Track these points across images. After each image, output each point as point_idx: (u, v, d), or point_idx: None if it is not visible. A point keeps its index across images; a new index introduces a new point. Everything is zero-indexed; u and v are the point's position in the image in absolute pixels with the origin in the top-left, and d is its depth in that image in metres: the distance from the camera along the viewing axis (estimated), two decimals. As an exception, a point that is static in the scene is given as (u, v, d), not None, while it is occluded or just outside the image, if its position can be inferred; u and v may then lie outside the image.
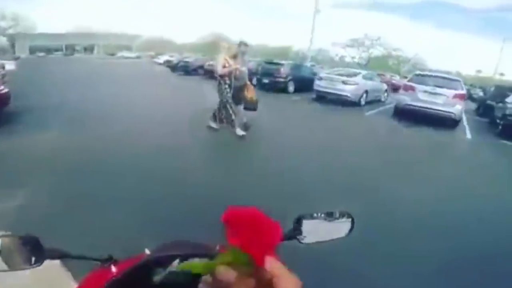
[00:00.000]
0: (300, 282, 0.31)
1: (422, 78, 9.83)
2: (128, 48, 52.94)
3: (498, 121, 10.46)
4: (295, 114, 9.07)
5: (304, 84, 13.19)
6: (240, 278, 0.31)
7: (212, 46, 44.40)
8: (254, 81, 14.53)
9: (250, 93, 5.65)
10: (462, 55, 61.99)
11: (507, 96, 11.75)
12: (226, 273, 0.31)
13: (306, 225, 0.73)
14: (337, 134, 6.94)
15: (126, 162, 3.83)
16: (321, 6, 21.03)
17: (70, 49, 51.83)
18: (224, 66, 5.19)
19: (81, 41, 54.00)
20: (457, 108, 8.98)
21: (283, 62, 14.45)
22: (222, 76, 5.27)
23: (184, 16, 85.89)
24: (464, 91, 9.47)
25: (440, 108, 8.95)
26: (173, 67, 21.55)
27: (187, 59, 21.29)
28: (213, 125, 5.71)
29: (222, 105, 5.48)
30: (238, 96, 5.49)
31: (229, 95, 5.36)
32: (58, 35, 51.23)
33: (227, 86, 5.32)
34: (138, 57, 44.98)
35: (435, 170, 5.08)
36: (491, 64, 48.52)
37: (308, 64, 18.47)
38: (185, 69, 19.68)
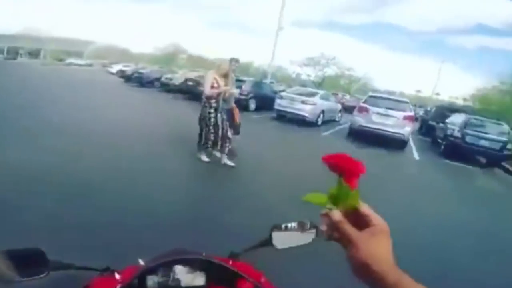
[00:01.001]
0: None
1: (375, 100, 10.44)
2: (79, 55, 49.68)
3: (440, 141, 11.44)
4: (257, 133, 9.03)
5: (264, 102, 13.31)
6: (345, 215, 0.45)
7: (170, 57, 43.57)
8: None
9: (237, 116, 5.18)
10: (404, 75, 68.13)
11: (447, 116, 12.98)
12: (333, 214, 0.45)
13: (279, 234, 0.84)
14: (297, 154, 6.99)
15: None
16: (283, 24, 21.56)
17: (13, 53, 47.09)
18: (212, 86, 4.61)
19: (26, 44, 49.44)
20: (406, 130, 9.62)
21: (245, 79, 14.48)
22: (208, 98, 4.68)
23: (142, 24, 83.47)
24: (412, 113, 10.22)
25: (391, 129, 9.52)
26: (127, 78, 20.42)
27: (142, 70, 20.40)
28: (203, 157, 4.91)
29: (206, 132, 4.81)
30: (232, 125, 4.97)
31: (213, 120, 4.72)
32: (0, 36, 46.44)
33: (212, 110, 4.69)
34: (89, 65, 42.35)
35: (386, 190, 5.24)
36: (429, 84, 54.05)
37: (268, 81, 18.75)
38: (139, 81, 18.75)
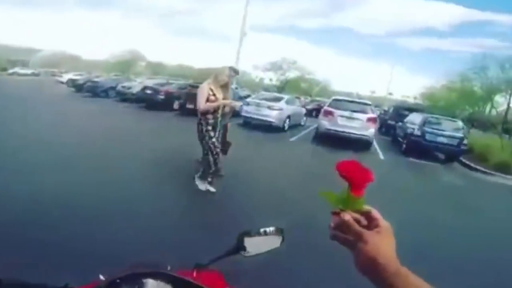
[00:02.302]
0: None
1: (339, 103, 10.53)
2: (25, 64, 45.64)
3: (400, 140, 11.89)
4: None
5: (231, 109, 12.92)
6: (354, 217, 0.50)
7: (127, 65, 41.53)
8: (176, 105, 13.75)
9: (227, 135, 4.43)
10: (358, 77, 71.78)
11: (405, 116, 13.59)
12: (344, 214, 0.50)
13: (252, 240, 0.86)
14: (272, 165, 6.71)
15: None
16: (246, 29, 21.36)
17: None
18: (208, 99, 3.85)
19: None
20: (370, 131, 9.82)
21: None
22: (204, 114, 3.90)
23: (94, 31, 79.08)
24: (375, 115, 10.47)
25: (356, 132, 9.66)
26: (79, 87, 18.77)
27: (96, 79, 18.95)
28: (209, 187, 4.15)
29: (204, 154, 4.07)
30: (223, 143, 4.25)
31: (213, 140, 3.95)
32: None
33: (210, 128, 3.93)
34: (35, 75, 39.03)
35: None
36: (383, 85, 57.44)
37: (233, 86, 18.40)
38: (92, 90, 17.30)
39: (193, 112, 11.88)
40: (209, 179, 4.13)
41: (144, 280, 0.71)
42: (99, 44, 60.49)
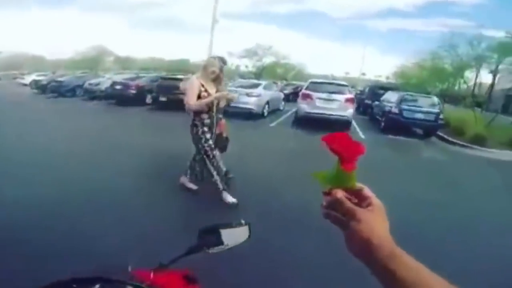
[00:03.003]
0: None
1: (316, 85, 10.42)
2: (-19, 68, 42.41)
3: (379, 118, 11.99)
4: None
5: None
6: (345, 195, 0.47)
7: (94, 61, 39.52)
8: (149, 99, 13.17)
9: (226, 130, 3.76)
10: (331, 60, 72.35)
11: (381, 95, 13.73)
12: (336, 191, 0.47)
13: (227, 231, 0.84)
14: (252, 149, 6.47)
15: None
16: (218, 17, 20.57)
17: None
18: (199, 97, 3.28)
19: None
20: (349, 111, 9.80)
21: (183, 76, 13.48)
22: (198, 114, 3.38)
23: (55, 29, 74.53)
24: (352, 95, 10.44)
25: (335, 113, 9.61)
26: (43, 88, 17.49)
27: (60, 78, 17.75)
28: (190, 185, 3.77)
29: (199, 158, 3.58)
30: (216, 140, 3.64)
31: (210, 142, 3.43)
32: None
33: (206, 129, 3.41)
34: (-5, 78, 36.42)
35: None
36: (356, 66, 58.36)
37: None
38: (58, 90, 16.13)
39: (167, 105, 11.62)
40: (222, 187, 3.49)
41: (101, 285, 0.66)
42: (62, 42, 56.79)
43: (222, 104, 3.61)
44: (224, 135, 3.73)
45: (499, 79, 18.33)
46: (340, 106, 9.63)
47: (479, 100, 22.79)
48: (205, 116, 3.40)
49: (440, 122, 10.11)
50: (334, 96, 9.74)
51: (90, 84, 15.58)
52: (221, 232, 0.83)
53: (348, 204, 0.47)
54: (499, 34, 16.80)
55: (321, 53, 75.79)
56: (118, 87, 13.40)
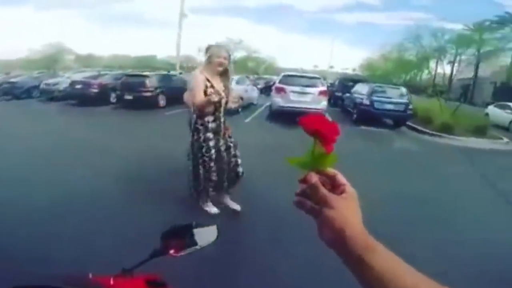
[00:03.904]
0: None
1: (289, 79, 10.30)
2: None
3: (350, 110, 12.14)
4: (176, 134, 7.81)
5: (176, 97, 11.95)
6: (320, 179, 0.45)
7: (51, 59, 36.89)
8: (113, 98, 12.40)
9: (229, 131, 3.15)
10: (300, 53, 73.15)
11: (351, 87, 13.93)
12: (310, 176, 0.45)
13: (199, 230, 0.82)
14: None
15: None
16: (186, 11, 19.80)
17: None
18: (206, 93, 2.73)
19: None
20: (323, 104, 9.79)
21: (149, 73, 12.81)
22: (202, 114, 2.84)
23: (12, 26, 68.63)
24: (325, 88, 10.42)
25: (309, 106, 9.51)
26: (-6, 91, 16.02)
27: (13, 79, 16.17)
28: (212, 208, 3.09)
29: (192, 167, 3.00)
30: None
31: (212, 152, 2.89)
32: None
33: (211, 135, 2.87)
34: None
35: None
36: (324, 59, 59.58)
37: (177, 72, 17.17)
38: (11, 92, 14.58)
39: (133, 104, 10.97)
40: (204, 201, 3.07)
41: None
42: (17, 41, 51.99)
43: (234, 105, 3.16)
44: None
45: (458, 70, 19.32)
46: (313, 99, 9.58)
47: (440, 90, 23.96)
48: (210, 118, 2.84)
49: (409, 112, 10.38)
50: (307, 89, 9.68)
51: (47, 84, 14.34)
52: (194, 233, 0.81)
53: (323, 189, 0.45)
54: (458, 27, 17.73)
55: (290, 47, 76.46)
56: (78, 86, 12.45)
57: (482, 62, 18.20)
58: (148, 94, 11.31)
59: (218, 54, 2.80)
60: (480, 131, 9.60)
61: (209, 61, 2.82)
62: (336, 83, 18.81)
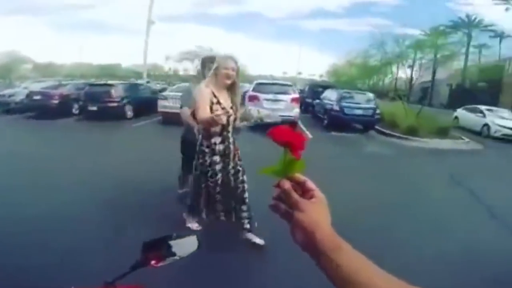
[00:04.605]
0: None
1: (262, 86, 10.31)
2: None
3: (321, 116, 12.37)
4: (147, 149, 7.44)
5: (144, 107, 11.54)
6: (292, 185, 0.49)
7: (5, 69, 34.28)
8: (76, 109, 11.71)
9: (238, 152, 2.76)
10: (268, 60, 74.23)
11: (320, 93, 14.23)
12: (283, 183, 0.48)
13: (177, 242, 0.83)
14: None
15: None
16: (153, 18, 19.22)
17: None
18: (211, 110, 2.42)
19: None
20: (295, 111, 9.88)
21: (114, 82, 12.21)
22: (208, 135, 2.54)
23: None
24: (297, 95, 10.54)
25: (282, 113, 9.53)
26: None
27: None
28: (192, 224, 2.88)
29: (195, 191, 2.70)
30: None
31: (218, 177, 2.58)
32: None
33: (217, 159, 2.56)
34: None
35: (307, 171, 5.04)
36: (292, 65, 60.94)
37: (144, 81, 16.57)
38: None
39: (97, 115, 10.38)
40: (248, 226, 2.70)
41: None
42: None
43: (242, 123, 2.79)
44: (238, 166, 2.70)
45: (419, 74, 20.54)
46: (286, 106, 9.64)
47: (401, 94, 25.23)
48: (217, 139, 2.53)
49: (377, 116, 10.76)
50: (280, 96, 9.73)
51: (2, 95, 13.19)
52: (171, 244, 0.82)
53: (294, 195, 0.48)
54: (416, 32, 18.87)
55: (260, 54, 77.41)
56: (37, 97, 11.58)
57: (439, 66, 19.49)
58: (114, 104, 10.74)
59: (225, 65, 2.48)
60: (442, 132, 10.17)
61: (215, 73, 2.51)
62: (306, 89, 19.16)
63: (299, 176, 0.50)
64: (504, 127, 11.38)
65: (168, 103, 10.29)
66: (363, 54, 19.23)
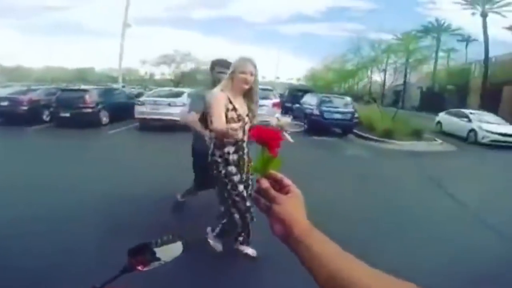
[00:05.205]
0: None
1: (242, 92, 10.26)
2: None
3: (301, 121, 12.50)
4: (117, 153, 7.17)
5: (120, 112, 11.16)
6: (271, 183, 0.53)
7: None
8: (47, 115, 11.14)
9: (251, 164, 2.53)
10: (248, 64, 73.92)
11: (299, 97, 14.39)
12: (262, 182, 0.52)
13: (162, 248, 0.84)
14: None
15: None
16: (130, 21, 18.60)
17: None
18: (227, 116, 2.26)
19: None
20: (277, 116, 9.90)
21: (88, 87, 11.73)
22: (220, 146, 2.34)
23: None
24: (278, 100, 10.60)
25: (263, 118, 9.53)
26: None
27: None
28: (217, 244, 2.71)
29: (224, 208, 2.49)
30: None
31: (241, 189, 2.35)
32: None
33: (233, 170, 2.35)
34: None
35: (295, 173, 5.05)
36: (271, 70, 61.61)
37: (119, 86, 16.04)
38: None
39: (70, 122, 9.91)
40: (240, 239, 2.62)
41: None
42: None
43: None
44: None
45: (395, 78, 21.36)
46: (268, 111, 9.66)
47: (375, 97, 26.14)
48: (230, 149, 2.31)
49: (355, 120, 11.02)
50: (262, 101, 9.70)
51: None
52: (155, 250, 0.85)
53: (272, 190, 0.52)
54: (389, 37, 19.64)
55: (236, 58, 77.34)
56: (4, 103, 10.88)
57: (412, 69, 20.37)
58: (88, 110, 10.29)
59: (242, 68, 2.26)
60: (417, 134, 10.56)
61: (231, 77, 2.30)
62: (286, 93, 19.35)
63: (276, 174, 0.54)
64: (492, 132, 10.61)
65: (146, 109, 10.03)
66: (340, 58, 19.75)
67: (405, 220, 3.84)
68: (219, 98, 2.25)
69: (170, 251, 0.88)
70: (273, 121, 2.72)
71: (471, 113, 12.28)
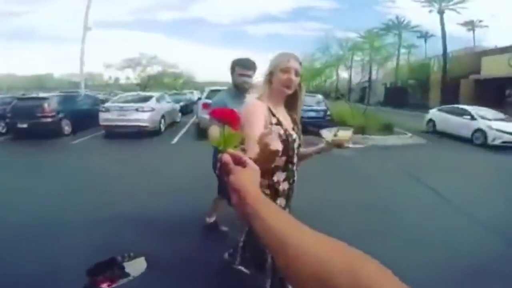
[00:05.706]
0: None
1: (214, 93, 9.98)
2: None
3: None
4: (81, 165, 6.63)
5: (84, 120, 10.47)
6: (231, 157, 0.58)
7: None
8: (2, 127, 10.23)
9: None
10: (216, 66, 73.97)
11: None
12: (224, 156, 0.58)
13: (131, 263, 0.86)
14: (161, 177, 5.47)
15: None
16: (90, 24, 17.47)
17: None
18: (267, 138, 1.10)
19: None
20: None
21: (47, 95, 10.86)
22: (266, 171, 1.51)
23: None
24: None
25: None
26: None
27: None
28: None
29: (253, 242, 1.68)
30: None
31: None
32: None
33: (283, 201, 1.63)
34: None
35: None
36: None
37: (82, 92, 15.06)
38: None
39: (28, 133, 9.14)
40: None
41: None
42: None
43: (308, 151, 1.84)
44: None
45: (362, 75, 22.06)
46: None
47: (342, 93, 26.91)
48: (281, 177, 1.60)
49: (328, 118, 11.13)
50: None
51: None
52: (124, 265, 0.84)
53: (230, 164, 0.57)
54: (354, 35, 20.21)
55: (205, 60, 76.68)
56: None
57: (378, 66, 21.13)
58: (48, 120, 9.50)
59: (284, 65, 1.53)
60: (387, 129, 10.86)
61: (268, 80, 1.57)
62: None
63: (238, 152, 0.59)
64: (504, 132, 8.81)
65: (111, 116, 9.47)
66: (309, 57, 20.04)
67: (379, 207, 4.06)
68: (258, 111, 1.48)
69: (138, 266, 0.88)
70: (328, 135, 1.78)
71: (472, 109, 10.29)
